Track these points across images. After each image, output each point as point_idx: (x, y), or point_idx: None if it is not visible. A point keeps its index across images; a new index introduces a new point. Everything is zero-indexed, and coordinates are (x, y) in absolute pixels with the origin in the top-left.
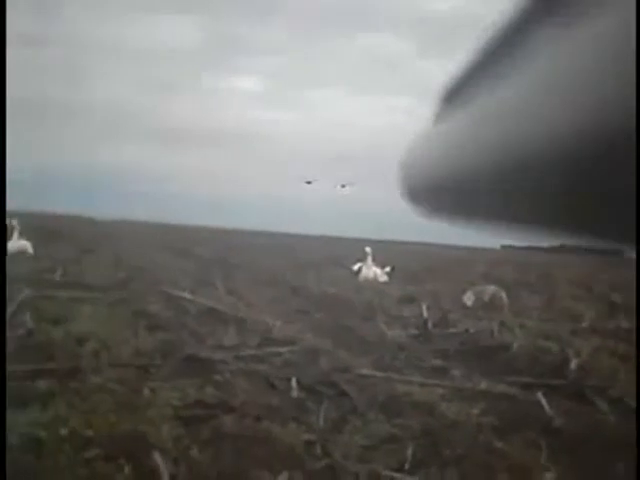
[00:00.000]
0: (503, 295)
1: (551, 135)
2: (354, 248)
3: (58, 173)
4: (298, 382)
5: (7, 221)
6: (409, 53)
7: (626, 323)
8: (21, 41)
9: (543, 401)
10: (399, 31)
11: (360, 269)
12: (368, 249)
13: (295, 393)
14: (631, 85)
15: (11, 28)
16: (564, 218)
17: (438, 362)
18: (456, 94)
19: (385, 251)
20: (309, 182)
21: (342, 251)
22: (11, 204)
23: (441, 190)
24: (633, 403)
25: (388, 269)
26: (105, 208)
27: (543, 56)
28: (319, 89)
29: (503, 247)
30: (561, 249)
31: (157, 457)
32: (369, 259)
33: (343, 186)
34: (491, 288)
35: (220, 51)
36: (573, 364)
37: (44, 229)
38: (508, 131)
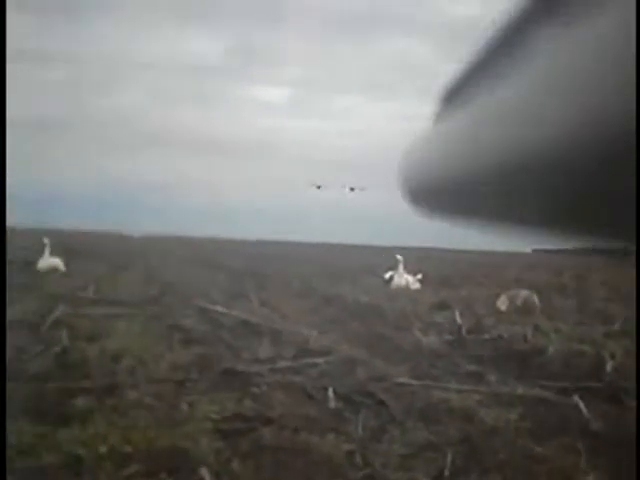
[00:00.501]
0: (536, 299)
1: (551, 135)
2: (384, 256)
3: (85, 189)
4: (335, 392)
5: (38, 239)
6: (430, 58)
7: None
8: (52, 59)
9: (580, 404)
10: (420, 36)
11: (392, 277)
12: (399, 257)
13: (332, 403)
14: (631, 85)
15: (39, 46)
16: (564, 218)
17: (474, 368)
18: (456, 94)
19: (415, 258)
20: (319, 187)
21: (372, 260)
22: (40, 222)
23: (441, 190)
24: None
25: (420, 276)
26: (133, 223)
27: (543, 56)
28: (340, 96)
29: (534, 251)
30: (592, 251)
31: (204, 472)
32: (400, 267)
33: (352, 189)
34: (524, 292)
35: (240, 62)
36: (608, 367)
37: (74, 246)
38: (508, 131)
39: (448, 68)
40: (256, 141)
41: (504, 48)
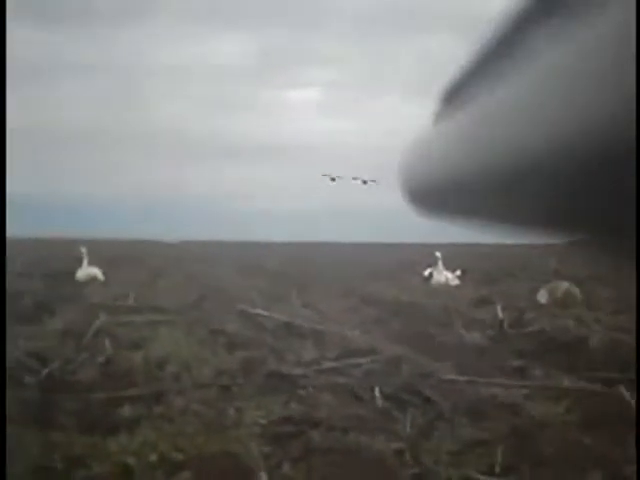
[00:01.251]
0: (576, 291)
1: (551, 135)
2: (422, 253)
3: (122, 197)
4: (381, 391)
5: (76, 249)
6: (462, 54)
7: None
8: (81, 71)
9: (626, 395)
10: (455, 32)
11: (431, 274)
12: (438, 254)
13: (380, 403)
14: (631, 84)
15: (71, 59)
16: (564, 218)
17: (518, 362)
18: (456, 94)
19: (453, 254)
20: (333, 179)
21: (410, 257)
22: (78, 232)
23: (440, 190)
24: None
25: (459, 272)
26: (172, 229)
27: (543, 56)
28: (376, 96)
29: (571, 242)
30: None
31: (263, 477)
32: (440, 264)
33: (364, 182)
34: (564, 284)
35: (275, 64)
36: None
37: (113, 255)
38: (508, 131)
39: None
40: (293, 144)
41: (504, 48)
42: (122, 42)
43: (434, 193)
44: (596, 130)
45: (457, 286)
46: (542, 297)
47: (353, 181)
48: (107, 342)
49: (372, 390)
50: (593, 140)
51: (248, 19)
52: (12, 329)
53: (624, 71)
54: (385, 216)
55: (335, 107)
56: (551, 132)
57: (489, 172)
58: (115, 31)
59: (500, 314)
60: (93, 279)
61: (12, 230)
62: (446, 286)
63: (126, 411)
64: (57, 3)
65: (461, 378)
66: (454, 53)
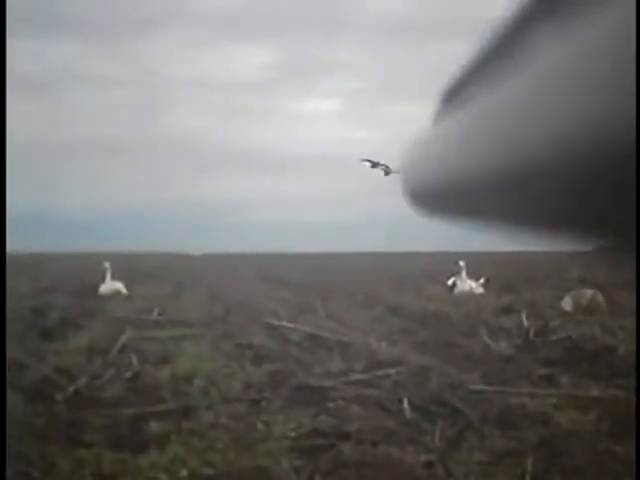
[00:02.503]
0: (601, 298)
1: (551, 135)
2: (444, 262)
3: (142, 210)
4: (410, 403)
5: (100, 263)
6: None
7: None
8: (104, 83)
9: None
10: (469, 38)
11: (455, 283)
12: (462, 263)
13: (408, 414)
14: (631, 84)
15: (92, 71)
16: (565, 218)
17: (545, 371)
18: (456, 94)
19: (476, 263)
20: (374, 165)
21: (433, 266)
22: (100, 246)
23: (441, 191)
24: None
25: (482, 281)
26: (196, 242)
27: (543, 56)
28: (395, 105)
29: (595, 248)
30: None
31: None
32: (463, 273)
33: (384, 169)
34: (588, 292)
35: (296, 74)
36: None
37: (136, 268)
38: (508, 131)
39: None
40: (313, 154)
41: (504, 48)
42: (138, 53)
43: (434, 194)
44: (596, 130)
45: (481, 295)
46: (567, 305)
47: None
48: (134, 358)
49: (400, 402)
50: (593, 140)
51: (266, 29)
52: (38, 345)
53: (624, 71)
54: (406, 224)
55: (354, 116)
56: (551, 132)
57: (489, 172)
58: (131, 42)
59: (525, 322)
60: (117, 293)
61: (33, 245)
62: (470, 295)
63: (155, 427)
64: (69, 14)
65: (489, 388)
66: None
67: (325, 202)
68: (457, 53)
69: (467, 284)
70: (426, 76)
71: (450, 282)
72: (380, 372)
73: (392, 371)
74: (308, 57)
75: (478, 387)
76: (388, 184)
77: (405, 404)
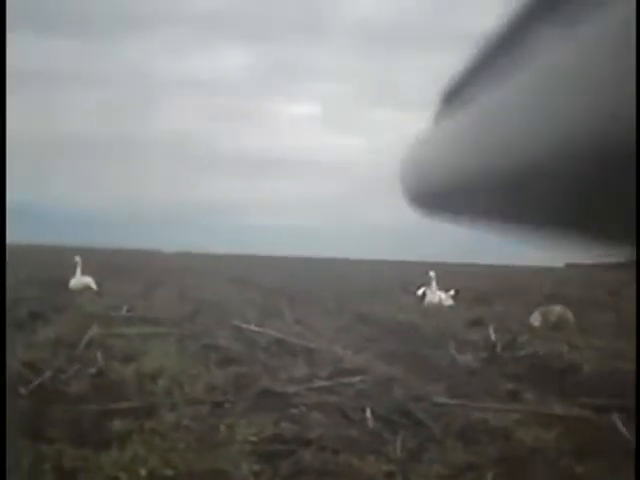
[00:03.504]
0: (570, 315)
1: (552, 135)
2: (417, 272)
3: (120, 208)
4: (373, 412)
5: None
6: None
7: None
8: (90, 81)
9: (619, 424)
10: (450, 49)
11: (424, 294)
12: (432, 273)
13: (371, 423)
14: (631, 84)
15: (72, 68)
16: (565, 219)
17: (510, 386)
18: (456, 94)
19: (448, 274)
20: None
21: (405, 276)
22: (74, 240)
23: (441, 191)
24: None
25: (452, 292)
26: (169, 242)
27: (543, 56)
28: (379, 111)
29: (568, 265)
30: (628, 265)
31: None
32: (433, 283)
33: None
34: (557, 308)
35: (276, 78)
36: None
37: (108, 264)
38: (508, 131)
39: None
40: (293, 158)
41: (504, 48)
42: (123, 52)
43: (434, 193)
44: (597, 129)
45: (450, 306)
46: (535, 320)
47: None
48: (99, 354)
49: (363, 410)
50: (594, 140)
51: (251, 33)
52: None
53: (624, 71)
54: (383, 232)
55: (335, 122)
56: (551, 132)
57: (489, 172)
58: (116, 41)
59: (493, 336)
60: (87, 288)
61: (9, 237)
62: (439, 306)
63: (117, 425)
64: (57, 13)
65: (453, 401)
66: (450, 68)
67: (303, 206)
68: (439, 63)
69: (437, 295)
70: (407, 85)
71: (420, 292)
72: (344, 380)
73: (356, 379)
74: (292, 61)
75: (442, 400)
76: (368, 191)
77: (368, 413)
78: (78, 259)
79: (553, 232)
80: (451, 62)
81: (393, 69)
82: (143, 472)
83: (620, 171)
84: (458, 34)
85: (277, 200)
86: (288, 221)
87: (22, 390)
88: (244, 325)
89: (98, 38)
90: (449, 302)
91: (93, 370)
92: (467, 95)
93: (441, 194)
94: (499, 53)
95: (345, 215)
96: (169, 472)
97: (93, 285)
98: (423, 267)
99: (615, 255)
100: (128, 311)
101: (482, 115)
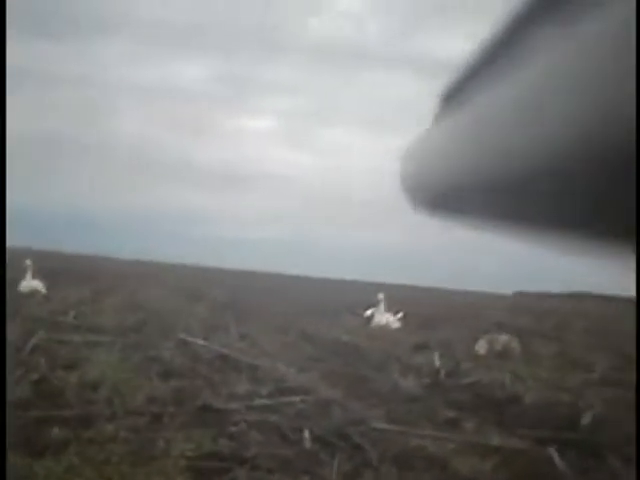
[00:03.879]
0: (515, 344)
1: (551, 135)
2: (367, 292)
3: (76, 212)
4: (311, 433)
5: (20, 261)
6: (423, 93)
7: None
8: (42, 80)
9: (555, 457)
10: (408, 71)
11: (372, 315)
12: (381, 295)
13: (308, 444)
14: (631, 84)
15: (33, 67)
16: (565, 219)
17: (451, 414)
18: (456, 94)
19: (397, 297)
20: None
21: (355, 295)
22: (25, 243)
23: (443, 190)
24: None
25: (400, 315)
26: (123, 249)
27: (543, 56)
28: (333, 129)
29: (515, 293)
30: (574, 296)
31: None
32: (381, 305)
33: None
34: (503, 337)
35: (233, 91)
36: (585, 418)
37: (59, 269)
38: (508, 131)
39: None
40: (248, 172)
41: (504, 48)
42: (82, 56)
43: (436, 194)
44: (597, 130)
45: (398, 329)
46: (481, 348)
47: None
48: (42, 360)
49: (301, 431)
50: (594, 140)
51: (209, 45)
52: None
53: (624, 71)
54: (336, 251)
55: (291, 138)
56: (551, 132)
57: (489, 172)
58: (74, 45)
59: (437, 362)
60: (35, 292)
61: None
62: (387, 329)
63: (55, 433)
64: (18, 15)
65: (391, 427)
66: (406, 91)
67: (257, 219)
68: (395, 83)
69: (384, 317)
70: (362, 104)
71: (368, 314)
72: (285, 399)
73: (297, 399)
74: (248, 75)
75: (381, 425)
76: (320, 208)
77: (306, 434)
78: (29, 262)
79: (554, 233)
80: (407, 84)
81: (350, 88)
82: None
83: (620, 171)
84: (416, 57)
85: (232, 212)
86: (240, 234)
87: None
88: (189, 338)
89: (56, 39)
90: (396, 325)
91: (35, 376)
92: (467, 95)
93: (442, 194)
94: (499, 53)
95: (298, 231)
96: None
97: (42, 289)
98: (373, 288)
99: (615, 255)
100: (75, 317)
101: (482, 115)
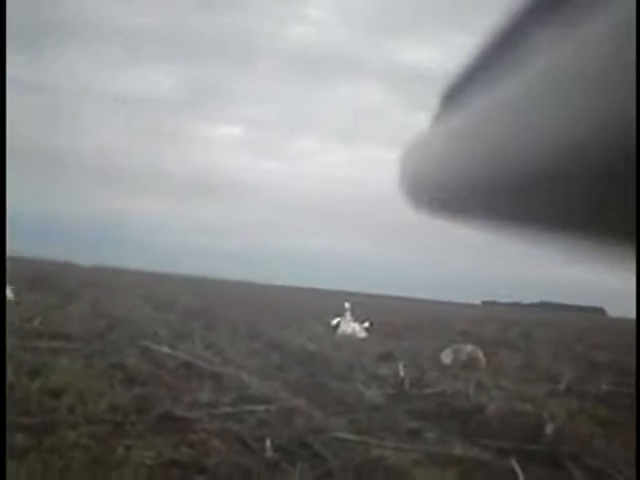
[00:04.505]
0: (480, 355)
1: (551, 136)
2: (334, 301)
3: (42, 219)
4: (273, 442)
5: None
6: (394, 104)
7: (606, 385)
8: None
9: (517, 468)
10: (380, 81)
11: (339, 324)
12: (347, 304)
13: (269, 454)
14: (631, 84)
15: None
16: (565, 219)
17: (413, 424)
18: (455, 94)
19: (364, 305)
20: None
21: (323, 304)
22: None
23: (442, 191)
24: (610, 471)
25: (367, 324)
26: (92, 256)
27: (543, 56)
28: (302, 139)
29: (484, 303)
30: (541, 306)
31: None
32: (348, 314)
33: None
34: (469, 347)
35: (202, 99)
36: (548, 429)
37: (28, 274)
38: (508, 132)
39: (405, 116)
40: (205, 179)
41: (503, 48)
42: (45, 62)
43: (436, 194)
44: (596, 130)
45: (363, 339)
46: (446, 358)
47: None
48: (9, 366)
49: (264, 440)
50: (594, 140)
51: (176, 52)
52: None
53: (624, 71)
54: (304, 260)
55: (260, 147)
56: (551, 132)
57: (488, 172)
58: (38, 50)
59: (402, 372)
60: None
61: None
62: (352, 337)
63: (16, 440)
64: None
65: (354, 437)
66: (378, 101)
67: (223, 227)
68: (366, 95)
69: (350, 326)
70: (331, 114)
71: (334, 322)
72: (248, 407)
73: (260, 408)
74: (217, 83)
75: (343, 435)
76: (288, 216)
77: (268, 443)
78: None
79: (553, 234)
80: (376, 96)
81: (319, 98)
82: None
83: (620, 172)
84: (389, 67)
85: (198, 220)
86: (208, 241)
87: None
88: (154, 346)
89: (21, 45)
90: (362, 334)
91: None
92: (466, 95)
93: (441, 195)
94: (498, 53)
95: (264, 239)
96: None
97: (10, 295)
98: (339, 297)
99: (615, 256)
100: (41, 324)
101: (481, 116)
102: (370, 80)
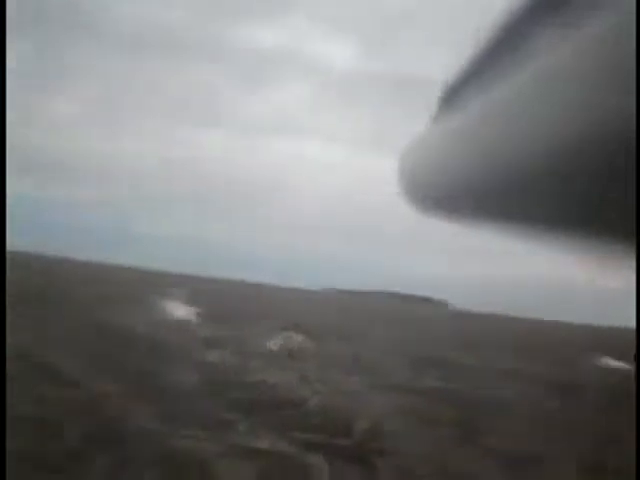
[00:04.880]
0: (310, 346)
1: (551, 135)
2: (170, 283)
3: None
4: (78, 429)
5: None
6: (231, 86)
7: (434, 382)
8: None
9: (322, 462)
10: (222, 64)
11: (171, 307)
12: (178, 290)
13: (74, 442)
14: (631, 85)
15: None
16: (562, 217)
17: (227, 415)
18: (455, 94)
19: (202, 289)
20: None
21: (157, 286)
22: None
23: (442, 190)
24: (419, 470)
25: (199, 310)
26: None
27: (543, 57)
28: (146, 119)
29: (324, 289)
30: (382, 294)
31: None
32: (179, 298)
33: None
34: (299, 337)
35: (43, 74)
36: (361, 424)
37: None
38: (507, 132)
39: (250, 98)
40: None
41: (503, 49)
42: None
43: (433, 192)
44: (596, 129)
45: (194, 323)
46: (274, 345)
47: None
48: None
49: (68, 426)
50: (593, 139)
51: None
52: None
53: (624, 71)
54: (147, 241)
55: (99, 126)
56: (550, 132)
57: (487, 171)
58: None
59: (227, 359)
60: None
61: None
62: (183, 321)
63: None
64: None
65: (161, 427)
66: (219, 85)
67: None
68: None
69: (181, 310)
70: (170, 94)
71: (167, 306)
72: (56, 393)
73: (69, 393)
74: (55, 59)
75: (150, 424)
76: (154, 201)
77: (71, 429)
78: None
79: (553, 232)
80: (212, 76)
81: (158, 78)
82: None
83: (620, 170)
84: (230, 50)
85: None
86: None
87: None
88: None
89: None
90: (193, 318)
91: None
92: (465, 97)
93: (441, 194)
94: (498, 54)
95: (89, 216)
96: None
97: None
98: (177, 279)
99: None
100: None
101: (481, 116)
102: (209, 62)
